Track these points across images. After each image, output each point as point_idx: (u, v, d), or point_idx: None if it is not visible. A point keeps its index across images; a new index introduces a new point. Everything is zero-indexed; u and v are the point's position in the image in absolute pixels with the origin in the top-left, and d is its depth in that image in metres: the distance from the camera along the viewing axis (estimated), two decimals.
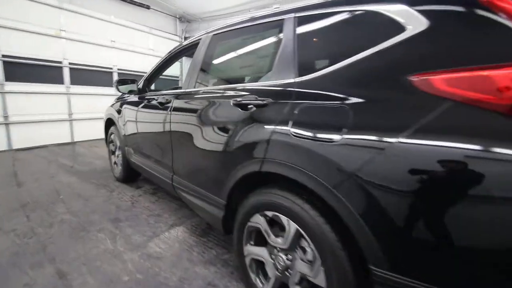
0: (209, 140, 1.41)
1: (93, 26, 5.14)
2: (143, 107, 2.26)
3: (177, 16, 7.06)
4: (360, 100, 0.84)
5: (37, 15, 4.34)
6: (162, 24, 6.81)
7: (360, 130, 0.80)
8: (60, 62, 4.72)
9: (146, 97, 2.29)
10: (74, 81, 4.95)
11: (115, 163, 3.02)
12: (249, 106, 1.20)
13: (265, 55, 1.34)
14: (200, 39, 1.82)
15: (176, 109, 1.72)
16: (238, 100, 1.26)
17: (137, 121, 2.34)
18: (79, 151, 4.52)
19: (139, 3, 5.97)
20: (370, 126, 0.78)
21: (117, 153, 2.93)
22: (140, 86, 2.40)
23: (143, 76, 2.49)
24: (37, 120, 4.55)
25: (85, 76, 5.14)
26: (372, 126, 0.78)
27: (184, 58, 6.87)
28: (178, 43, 7.08)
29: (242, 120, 1.21)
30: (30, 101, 4.44)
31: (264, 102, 1.13)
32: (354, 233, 0.81)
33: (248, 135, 1.17)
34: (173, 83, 7.27)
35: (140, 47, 6.15)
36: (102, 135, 5.44)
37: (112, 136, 2.97)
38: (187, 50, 2.06)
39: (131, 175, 2.85)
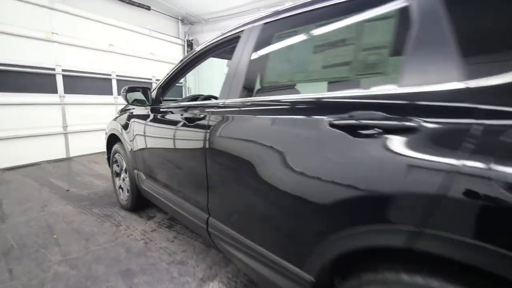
0: (280, 179, 0.92)
1: (89, 29, 4.64)
2: (159, 122, 1.77)
3: (179, 18, 6.60)
4: None
5: (24, 16, 3.84)
6: (164, 26, 6.34)
7: None
8: (52, 69, 4.21)
9: (162, 110, 1.80)
10: (68, 90, 4.43)
11: (120, 187, 2.51)
12: (368, 132, 0.71)
13: (372, 46, 0.86)
14: (240, 31, 1.34)
15: (216, 128, 1.23)
16: (339, 118, 0.78)
17: (152, 140, 1.84)
18: (76, 168, 3.99)
19: (139, 3, 5.50)
20: None
21: (123, 176, 2.43)
22: (153, 95, 1.91)
23: (147, 83, 2.00)
24: (28, 135, 4.02)
25: (81, 83, 4.62)
26: None
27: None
28: (180, 46, 6.62)
29: (355, 153, 0.73)
30: (19, 113, 3.91)
31: (410, 124, 0.65)
32: None
33: (375, 181, 0.68)
34: (176, 89, 6.78)
35: (141, 51, 5.66)
36: (101, 148, 4.93)
37: (116, 156, 2.47)
38: (217, 49, 1.58)
39: (140, 204, 2.35)
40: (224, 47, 1.55)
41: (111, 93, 5.14)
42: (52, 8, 4.11)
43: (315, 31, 1.04)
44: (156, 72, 6.03)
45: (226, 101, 1.26)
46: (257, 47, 1.22)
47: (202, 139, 1.30)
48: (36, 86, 4.03)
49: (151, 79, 5.95)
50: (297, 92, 1.04)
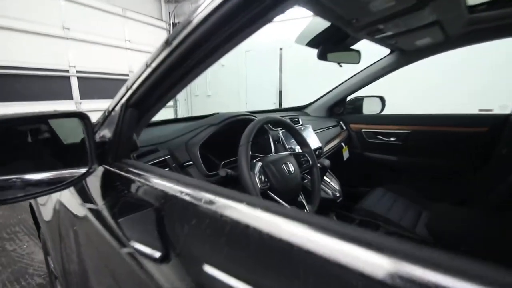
0: None
1: (30, 5, 3.14)
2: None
3: None
4: None
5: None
6: (142, 5, 4.85)
7: None
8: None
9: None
10: None
11: None
12: None
13: None
14: None
15: None
16: None
17: None
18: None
19: None
20: None
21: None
22: (105, 134, 0.60)
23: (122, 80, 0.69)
24: None
25: (16, 85, 3.16)
26: None
27: None
28: (164, 31, 5.21)
29: None
30: None
31: None
32: None
33: None
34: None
35: (111, 37, 4.18)
36: None
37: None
38: None
39: None
40: None
41: (71, 98, 3.70)
42: None
43: None
44: (134, 65, 4.59)
45: None
46: None
47: None
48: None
49: (128, 75, 4.52)
50: None
